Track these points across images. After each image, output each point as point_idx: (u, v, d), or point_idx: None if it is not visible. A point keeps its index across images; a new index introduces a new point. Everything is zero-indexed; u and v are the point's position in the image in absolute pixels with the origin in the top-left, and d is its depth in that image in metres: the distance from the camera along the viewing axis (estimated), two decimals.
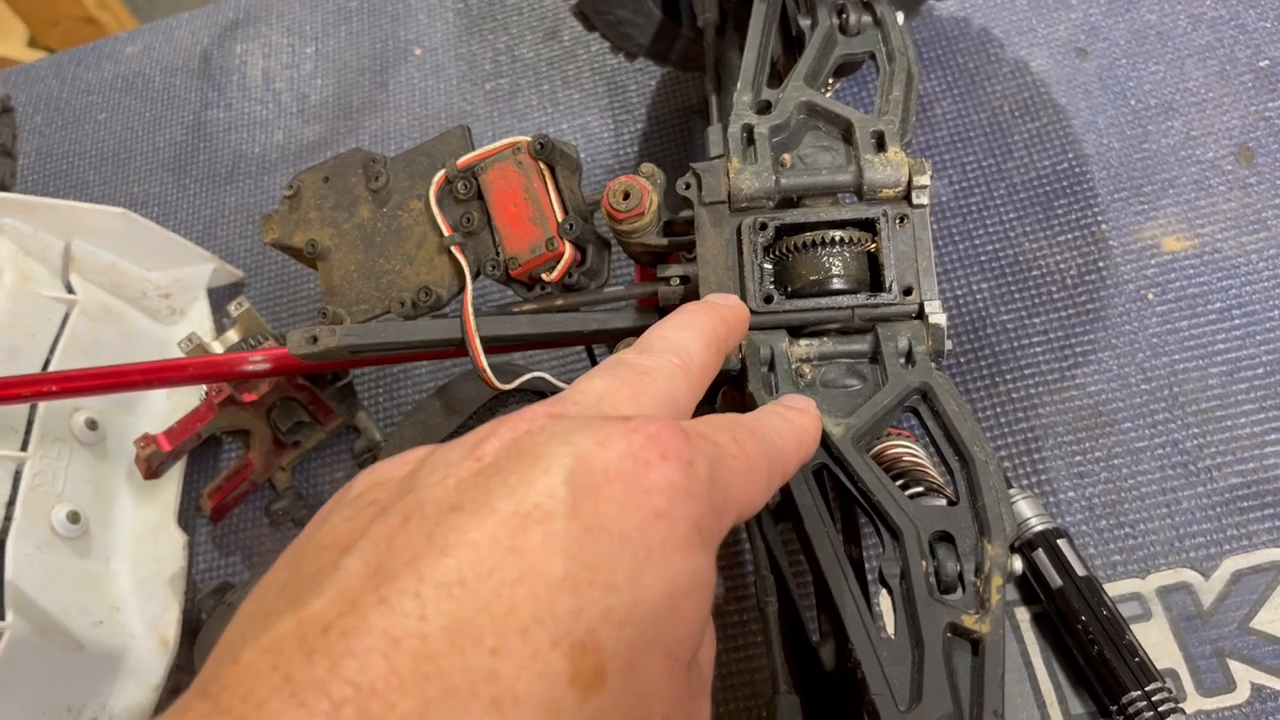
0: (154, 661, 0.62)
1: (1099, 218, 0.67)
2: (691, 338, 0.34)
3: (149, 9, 2.33)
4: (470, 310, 0.52)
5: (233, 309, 0.66)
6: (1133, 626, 0.53)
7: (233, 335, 0.67)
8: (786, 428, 0.34)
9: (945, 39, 0.76)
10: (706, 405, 0.54)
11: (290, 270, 0.79)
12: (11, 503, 0.62)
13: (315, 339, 0.52)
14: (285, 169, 0.85)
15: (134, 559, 0.65)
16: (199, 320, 0.75)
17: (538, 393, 0.58)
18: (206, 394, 0.63)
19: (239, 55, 0.93)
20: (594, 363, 0.60)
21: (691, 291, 0.50)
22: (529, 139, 0.54)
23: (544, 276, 0.53)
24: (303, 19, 0.93)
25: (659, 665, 0.25)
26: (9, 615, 0.58)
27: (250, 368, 0.56)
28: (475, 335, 0.52)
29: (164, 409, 0.71)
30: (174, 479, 0.68)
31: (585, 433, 0.26)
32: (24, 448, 0.64)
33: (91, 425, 0.67)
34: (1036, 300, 0.65)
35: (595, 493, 0.25)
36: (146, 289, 0.75)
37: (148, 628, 0.63)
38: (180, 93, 0.92)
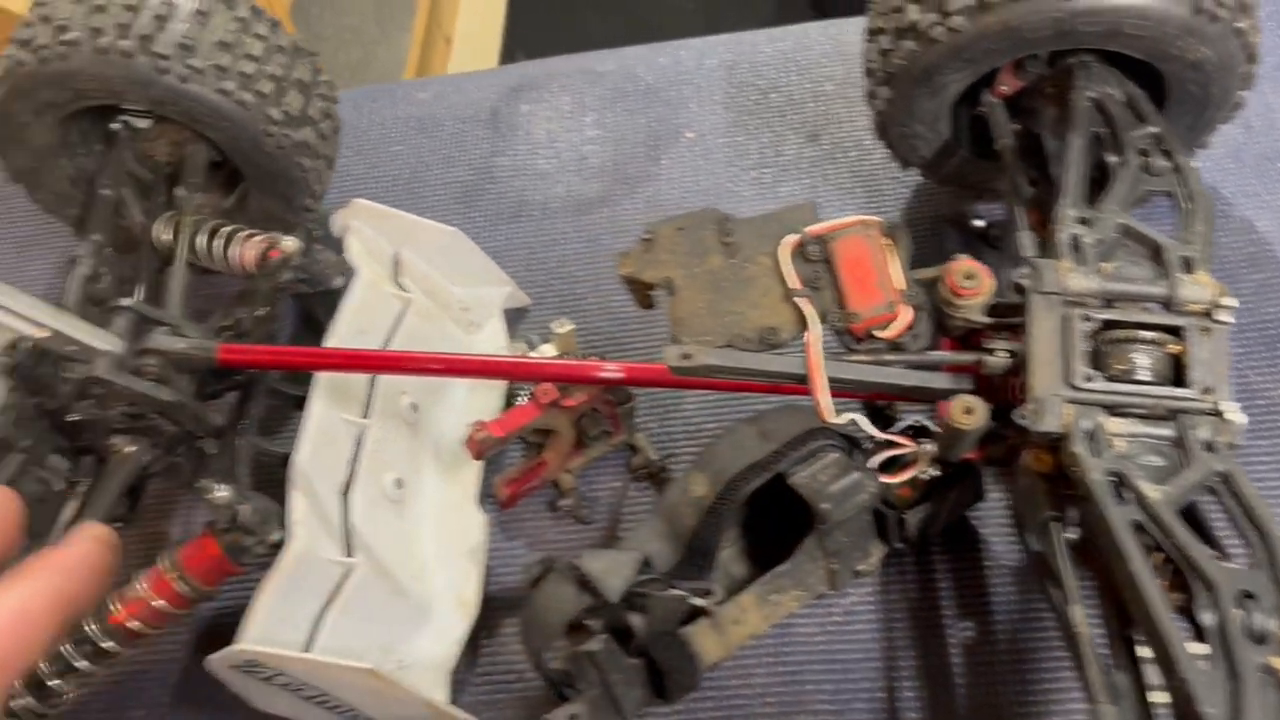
0: (455, 620, 0.70)
1: None
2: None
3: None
4: (817, 349, 0.61)
5: (555, 326, 0.75)
6: None
7: (548, 349, 0.76)
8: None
9: None
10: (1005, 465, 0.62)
11: (566, 305, 0.89)
12: (353, 460, 0.71)
13: (689, 355, 0.61)
14: (566, 217, 0.96)
15: (438, 529, 0.74)
16: (494, 335, 0.85)
17: (845, 435, 0.66)
18: (533, 394, 0.72)
19: (524, 114, 1.05)
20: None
21: (1018, 365, 0.59)
22: (879, 219, 0.64)
23: (876, 334, 0.63)
24: (583, 90, 1.06)
25: None
26: (357, 554, 0.67)
27: (603, 374, 0.66)
28: (820, 371, 0.61)
29: (464, 402, 0.81)
30: (474, 465, 0.77)
31: None
32: (364, 416, 0.74)
33: (414, 408, 0.77)
34: (1260, 427, 0.73)
35: None
36: (450, 300, 0.86)
37: (450, 590, 0.71)
38: (469, 139, 1.04)
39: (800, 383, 0.62)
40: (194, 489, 0.64)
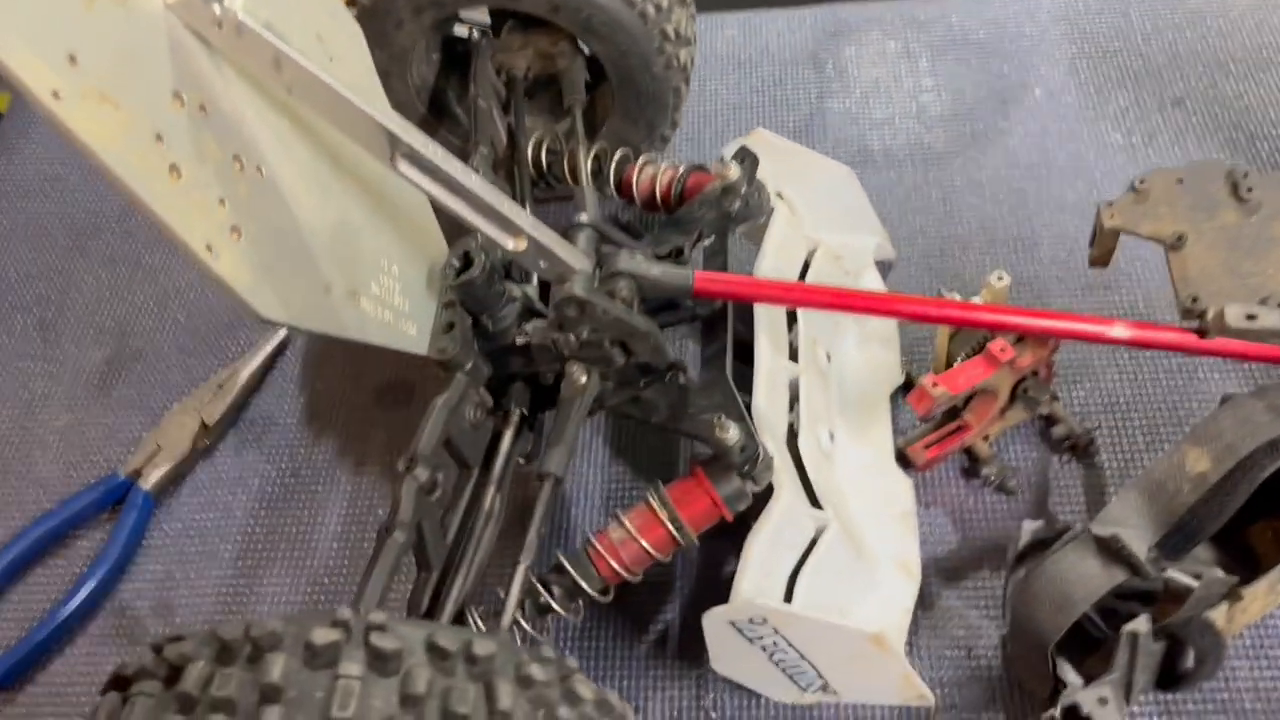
0: (901, 586, 0.65)
1: None
2: None
3: None
4: None
5: (993, 279, 0.70)
6: None
7: (980, 300, 0.71)
8: None
9: None
10: None
11: (930, 260, 0.84)
12: (791, 410, 0.66)
13: (1254, 316, 0.56)
14: (915, 168, 0.90)
15: (863, 489, 0.68)
16: (872, 284, 0.79)
17: None
18: (987, 349, 0.67)
19: (848, 58, 0.99)
20: None
21: None
22: None
23: None
24: (909, 38, 1.00)
25: None
26: (827, 509, 0.62)
27: (1112, 334, 0.60)
28: None
29: (855, 356, 0.75)
30: (884, 422, 0.72)
31: None
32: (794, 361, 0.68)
33: (828, 357, 0.71)
34: None
35: None
36: (825, 246, 0.80)
37: (891, 555, 0.66)
38: (792, 80, 0.98)
39: None
40: (705, 425, 0.58)
